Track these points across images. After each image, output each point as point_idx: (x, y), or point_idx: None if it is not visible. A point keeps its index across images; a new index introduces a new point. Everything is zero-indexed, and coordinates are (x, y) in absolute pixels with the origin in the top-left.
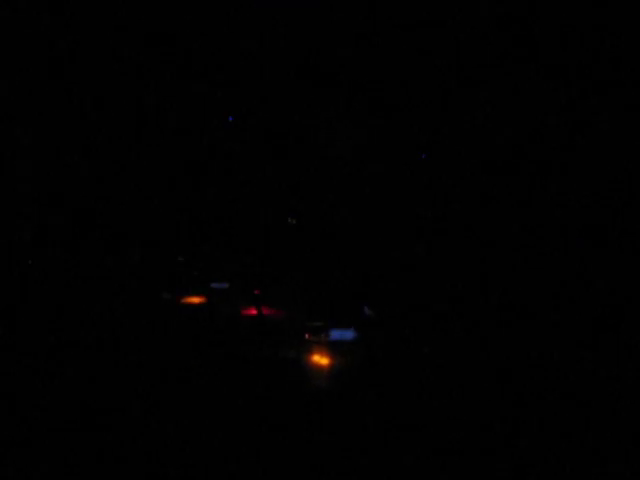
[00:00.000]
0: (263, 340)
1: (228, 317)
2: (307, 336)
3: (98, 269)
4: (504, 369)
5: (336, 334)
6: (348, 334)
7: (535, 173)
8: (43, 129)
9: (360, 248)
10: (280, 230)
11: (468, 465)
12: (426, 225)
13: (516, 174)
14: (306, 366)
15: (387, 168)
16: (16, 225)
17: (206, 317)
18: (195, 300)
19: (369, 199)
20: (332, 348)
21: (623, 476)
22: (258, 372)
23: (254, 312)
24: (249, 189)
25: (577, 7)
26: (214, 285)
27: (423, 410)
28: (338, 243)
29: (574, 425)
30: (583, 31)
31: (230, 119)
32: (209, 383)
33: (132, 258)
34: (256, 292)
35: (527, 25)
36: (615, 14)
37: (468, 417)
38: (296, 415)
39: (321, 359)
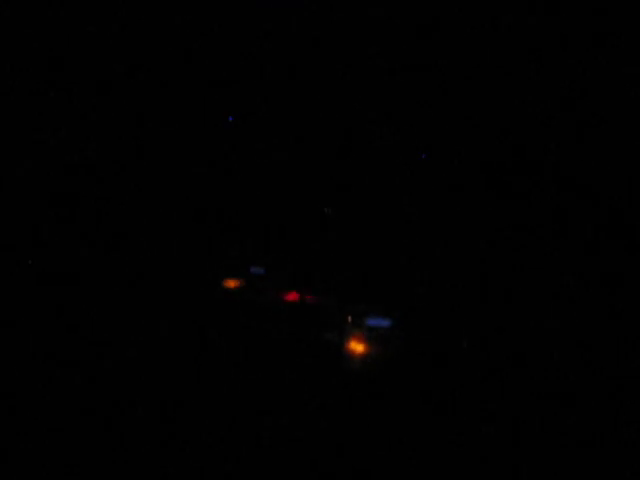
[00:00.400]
0: (303, 324)
1: (268, 302)
2: (349, 320)
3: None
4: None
5: (375, 320)
6: (386, 321)
7: (535, 172)
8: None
9: (399, 238)
10: (318, 219)
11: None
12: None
13: (518, 173)
14: (344, 351)
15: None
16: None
17: (246, 302)
18: (234, 284)
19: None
20: (370, 334)
21: (623, 476)
22: (296, 357)
23: (294, 297)
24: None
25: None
26: (253, 270)
27: (451, 404)
28: (377, 232)
29: (576, 425)
30: (583, 31)
31: (230, 119)
32: (248, 366)
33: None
34: (297, 279)
35: (525, 25)
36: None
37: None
38: (329, 400)
39: (358, 345)
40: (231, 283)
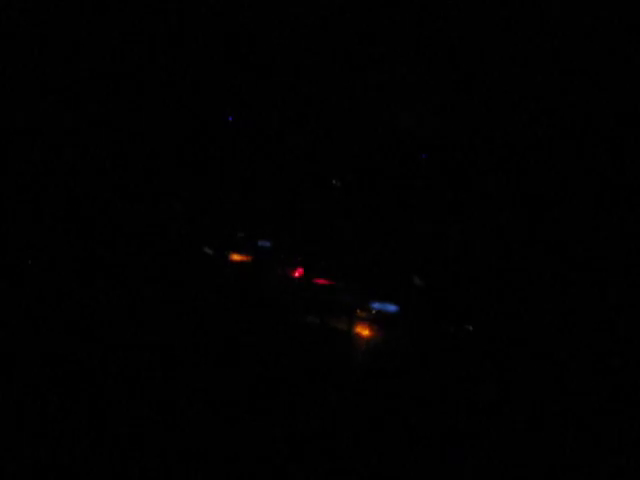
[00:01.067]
0: (309, 307)
1: (275, 277)
2: (357, 309)
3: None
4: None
5: (381, 305)
6: (392, 306)
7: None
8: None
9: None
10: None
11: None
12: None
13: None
14: (349, 336)
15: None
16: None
17: (252, 276)
18: (241, 258)
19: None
20: (376, 319)
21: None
22: (301, 340)
23: (300, 274)
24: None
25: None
26: (261, 243)
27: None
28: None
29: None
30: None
31: (230, 119)
32: (251, 345)
33: (175, 211)
34: (302, 260)
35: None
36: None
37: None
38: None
39: (364, 330)
40: (238, 257)
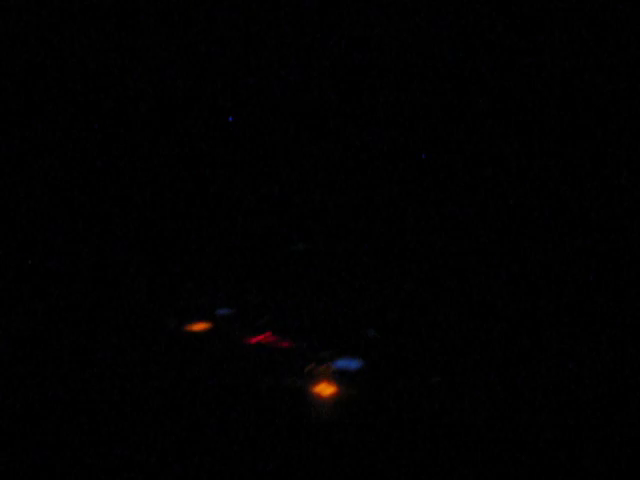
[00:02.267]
0: (267, 369)
1: (232, 345)
2: (311, 365)
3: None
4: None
5: (341, 363)
6: (353, 363)
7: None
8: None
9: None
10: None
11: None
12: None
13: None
14: (310, 396)
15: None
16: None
17: (210, 345)
18: (199, 327)
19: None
20: (337, 377)
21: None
22: (260, 402)
23: (259, 339)
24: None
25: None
26: (220, 311)
27: (430, 443)
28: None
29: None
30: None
31: (230, 119)
32: (208, 412)
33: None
34: (261, 320)
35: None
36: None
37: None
38: (298, 448)
39: (325, 389)
40: (196, 326)
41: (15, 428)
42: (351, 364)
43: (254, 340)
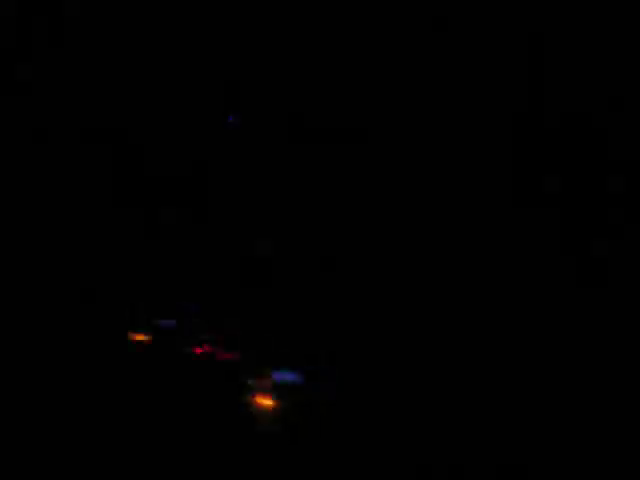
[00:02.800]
0: (210, 384)
1: (175, 358)
2: (250, 381)
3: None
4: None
5: (280, 376)
6: (292, 376)
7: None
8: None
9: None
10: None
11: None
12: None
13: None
14: (250, 409)
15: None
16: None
17: (152, 357)
18: (140, 338)
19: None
20: (276, 391)
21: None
22: (202, 417)
23: (201, 351)
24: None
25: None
26: (162, 323)
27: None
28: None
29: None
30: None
31: (230, 119)
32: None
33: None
34: (206, 334)
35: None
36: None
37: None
38: (244, 460)
39: (264, 401)
40: (138, 337)
41: None
42: (289, 377)
43: (198, 351)
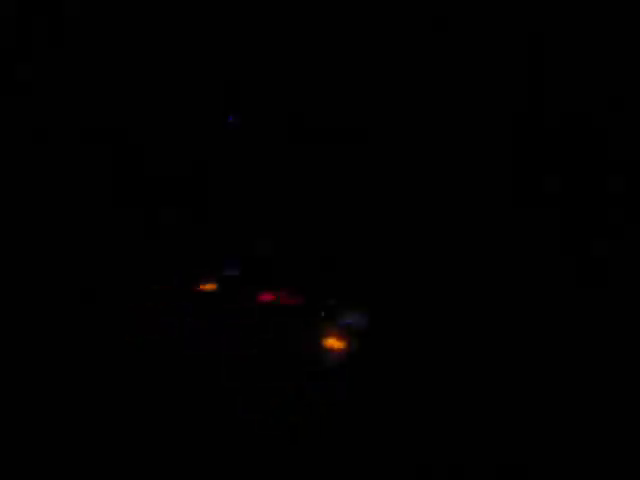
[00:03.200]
0: (279, 325)
1: (242, 304)
2: (322, 316)
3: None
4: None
5: (350, 317)
6: (358, 319)
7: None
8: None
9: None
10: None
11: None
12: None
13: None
14: (321, 350)
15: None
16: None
17: (219, 305)
18: (207, 288)
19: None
20: (347, 331)
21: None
22: (272, 359)
23: (268, 298)
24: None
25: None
26: (227, 271)
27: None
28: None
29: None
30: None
31: (230, 119)
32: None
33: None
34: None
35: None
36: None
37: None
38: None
39: (335, 342)
40: (204, 286)
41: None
42: (355, 320)
43: (263, 298)
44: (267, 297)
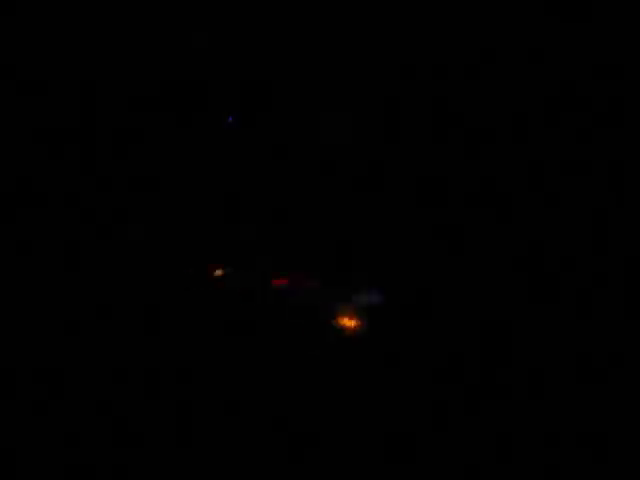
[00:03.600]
0: (293, 309)
1: (255, 288)
2: (336, 297)
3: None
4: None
5: (364, 296)
6: (373, 296)
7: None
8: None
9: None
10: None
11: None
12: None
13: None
14: (335, 328)
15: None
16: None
17: (233, 289)
18: (219, 272)
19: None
20: (360, 310)
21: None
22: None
23: (282, 281)
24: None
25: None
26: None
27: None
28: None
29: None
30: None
31: (230, 119)
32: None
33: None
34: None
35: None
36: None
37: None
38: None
39: (349, 321)
40: (216, 271)
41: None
42: (370, 297)
43: (277, 282)
44: (281, 281)
